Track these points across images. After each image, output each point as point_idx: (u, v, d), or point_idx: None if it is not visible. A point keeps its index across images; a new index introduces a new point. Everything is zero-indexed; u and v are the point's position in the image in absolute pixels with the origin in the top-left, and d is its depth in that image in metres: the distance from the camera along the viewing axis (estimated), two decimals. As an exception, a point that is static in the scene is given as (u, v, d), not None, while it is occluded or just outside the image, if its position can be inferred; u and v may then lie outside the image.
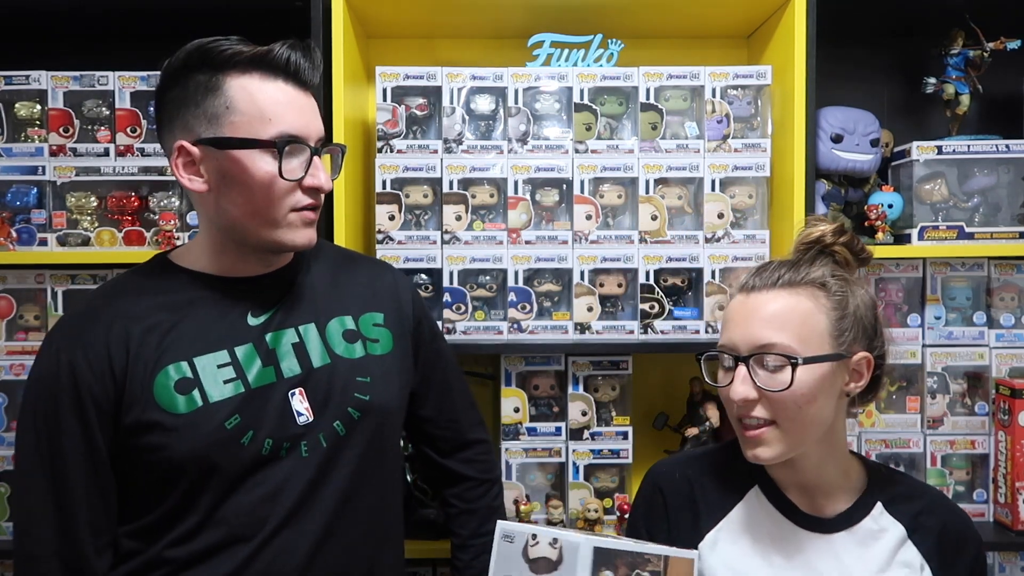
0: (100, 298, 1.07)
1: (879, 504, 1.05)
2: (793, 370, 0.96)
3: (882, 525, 1.03)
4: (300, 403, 1.06)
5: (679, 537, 1.06)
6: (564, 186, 1.62)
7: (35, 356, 1.04)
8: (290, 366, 1.07)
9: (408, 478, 1.68)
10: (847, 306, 1.00)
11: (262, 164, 0.99)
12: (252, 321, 1.07)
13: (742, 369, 0.99)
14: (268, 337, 1.07)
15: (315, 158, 1.03)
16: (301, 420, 1.05)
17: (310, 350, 1.09)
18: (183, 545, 1.01)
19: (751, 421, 1.00)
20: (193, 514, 1.01)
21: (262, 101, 0.99)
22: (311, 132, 1.03)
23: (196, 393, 1.01)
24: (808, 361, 0.97)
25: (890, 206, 1.68)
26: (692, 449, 1.20)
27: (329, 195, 1.51)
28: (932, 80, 1.74)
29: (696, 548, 1.05)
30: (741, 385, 0.98)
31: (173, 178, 1.50)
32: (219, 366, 1.03)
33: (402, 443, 1.37)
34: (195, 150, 1.00)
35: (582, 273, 1.60)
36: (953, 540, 1.04)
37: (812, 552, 1.02)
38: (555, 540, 0.95)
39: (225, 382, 1.02)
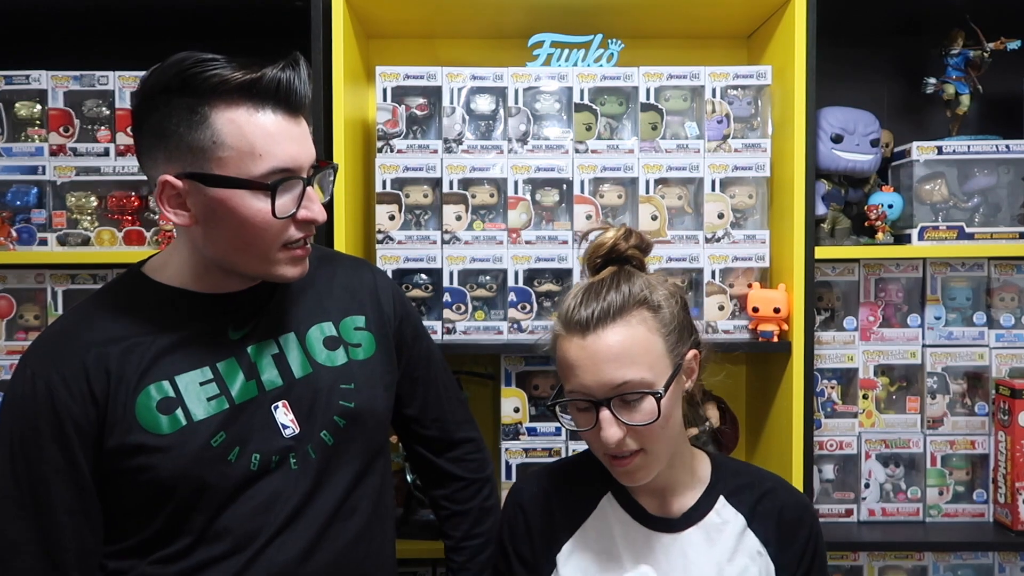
0: (74, 318, 1.03)
1: (721, 497, 1.07)
2: (658, 402, 0.97)
3: (725, 518, 1.06)
4: (284, 415, 1.04)
5: (540, 552, 1.09)
6: (564, 186, 1.61)
7: (9, 380, 1.00)
8: (271, 378, 1.04)
9: (408, 478, 1.68)
10: (668, 318, 1.01)
11: (253, 202, 0.95)
12: (233, 335, 1.04)
13: (605, 413, 0.98)
14: (249, 350, 1.04)
15: (308, 189, 0.98)
16: (287, 433, 1.03)
17: (290, 360, 1.06)
18: (173, 563, 0.99)
19: (622, 454, 1.00)
20: (185, 534, 0.99)
21: (251, 135, 0.93)
22: (303, 161, 0.97)
23: (179, 412, 0.98)
24: (666, 388, 0.98)
25: (890, 206, 1.68)
26: (553, 460, 1.23)
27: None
28: (932, 80, 1.74)
29: (555, 561, 1.07)
30: (610, 428, 0.97)
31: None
32: (201, 383, 1.00)
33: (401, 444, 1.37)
34: (180, 184, 0.95)
35: (582, 273, 1.59)
36: (789, 524, 1.07)
37: (661, 552, 1.05)
38: None
39: (209, 399, 1.00)
